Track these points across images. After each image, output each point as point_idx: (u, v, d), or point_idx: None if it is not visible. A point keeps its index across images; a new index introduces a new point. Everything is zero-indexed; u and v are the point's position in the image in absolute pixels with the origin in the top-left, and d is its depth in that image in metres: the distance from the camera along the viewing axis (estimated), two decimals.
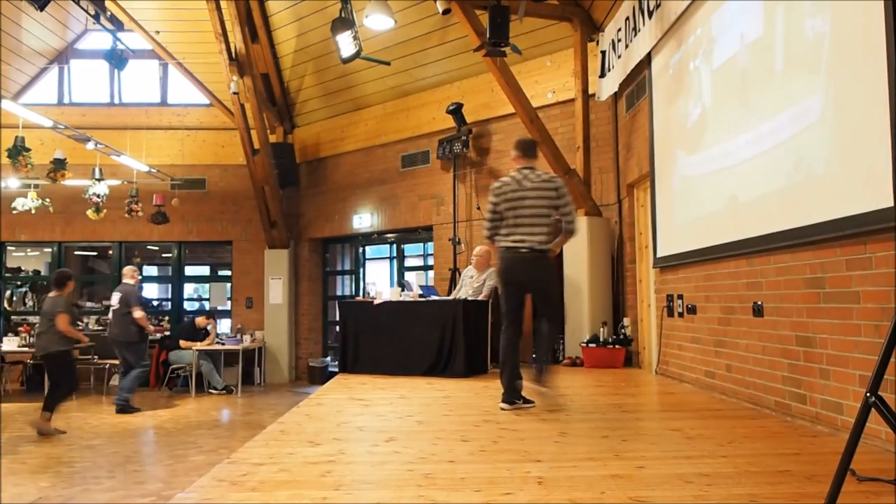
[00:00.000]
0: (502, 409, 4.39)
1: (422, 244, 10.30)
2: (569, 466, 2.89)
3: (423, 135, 9.50)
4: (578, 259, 7.21)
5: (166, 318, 11.54)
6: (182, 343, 9.44)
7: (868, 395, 2.03)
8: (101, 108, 11.21)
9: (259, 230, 10.88)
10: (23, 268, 11.96)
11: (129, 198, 9.74)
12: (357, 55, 7.52)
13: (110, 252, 11.55)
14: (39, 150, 9.04)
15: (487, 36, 6.25)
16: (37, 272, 11.87)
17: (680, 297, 5.64)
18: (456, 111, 8.64)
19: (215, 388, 9.48)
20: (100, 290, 11.73)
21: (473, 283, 7.12)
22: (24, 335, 9.41)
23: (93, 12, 6.50)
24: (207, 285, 12.61)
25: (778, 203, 3.93)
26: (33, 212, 9.13)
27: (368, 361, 6.62)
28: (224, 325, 11.28)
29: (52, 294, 6.81)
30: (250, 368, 10.42)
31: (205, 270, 13.36)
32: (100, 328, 10.47)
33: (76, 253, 12.12)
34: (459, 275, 7.90)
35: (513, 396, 4.43)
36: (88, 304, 11.72)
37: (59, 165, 8.00)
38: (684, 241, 5.46)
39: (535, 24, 7.50)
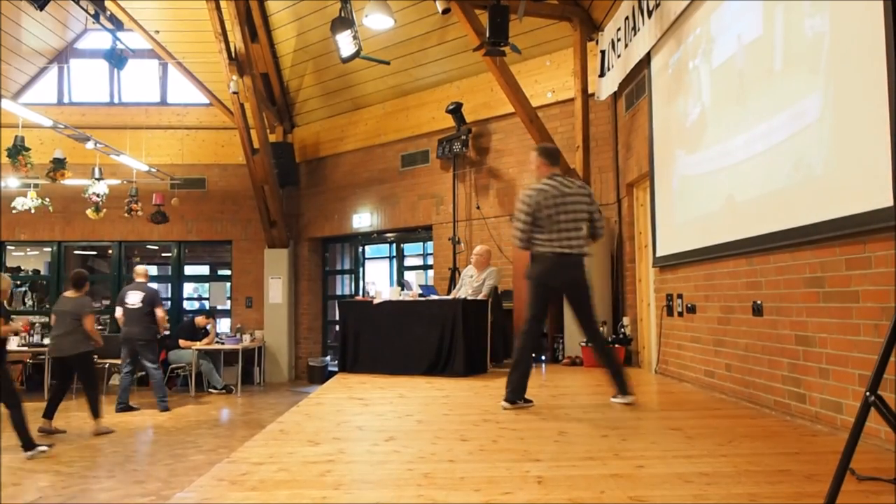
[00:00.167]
0: (505, 408, 4.38)
1: (421, 244, 10.30)
2: (568, 466, 2.89)
3: (423, 134, 9.50)
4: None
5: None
6: (181, 342, 9.43)
7: (868, 394, 2.03)
8: (100, 107, 11.21)
9: (259, 230, 10.89)
10: (22, 267, 11.97)
11: (129, 197, 9.74)
12: (357, 55, 7.52)
13: (110, 251, 11.55)
14: (39, 149, 9.06)
15: (487, 35, 6.25)
16: (36, 272, 11.87)
17: (679, 296, 5.64)
18: (455, 111, 8.64)
19: (215, 388, 9.48)
20: (100, 289, 11.72)
21: (473, 283, 7.12)
22: (23, 335, 9.40)
23: (92, 12, 6.50)
24: (207, 285, 12.62)
25: (777, 202, 3.93)
26: (33, 211, 9.13)
27: (368, 361, 6.62)
28: (224, 325, 11.28)
29: (70, 294, 6.77)
30: (250, 368, 10.42)
31: (204, 270, 13.36)
32: (100, 327, 10.45)
33: (76, 252, 12.11)
34: (459, 274, 7.91)
35: (518, 396, 4.42)
36: None
37: (58, 165, 7.99)
38: (684, 240, 5.46)
39: (534, 23, 7.50)
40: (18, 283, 11.50)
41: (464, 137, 8.68)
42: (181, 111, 11.27)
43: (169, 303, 11.65)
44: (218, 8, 9.09)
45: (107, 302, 11.23)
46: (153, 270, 13.46)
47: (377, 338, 6.64)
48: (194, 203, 11.06)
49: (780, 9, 3.93)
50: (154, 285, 9.02)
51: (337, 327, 9.61)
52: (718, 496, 2.41)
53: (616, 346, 6.78)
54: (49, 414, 6.52)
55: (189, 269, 12.28)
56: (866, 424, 2.08)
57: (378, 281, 9.75)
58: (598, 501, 2.40)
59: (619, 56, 6.74)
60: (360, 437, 3.63)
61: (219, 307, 11.53)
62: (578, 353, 7.04)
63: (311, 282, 11.14)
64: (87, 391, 6.65)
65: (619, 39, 6.72)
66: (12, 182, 9.43)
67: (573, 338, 7.21)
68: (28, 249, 11.98)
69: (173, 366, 9.61)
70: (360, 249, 11.09)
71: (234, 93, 9.34)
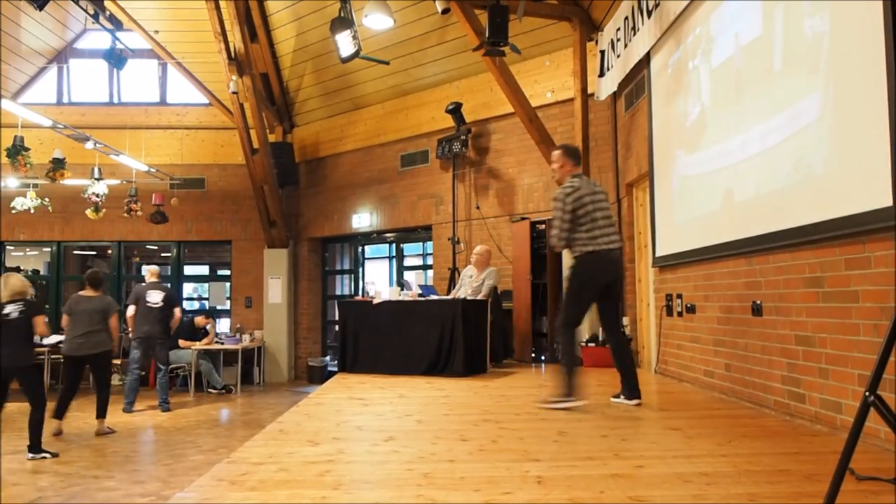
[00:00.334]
0: (556, 408, 4.30)
1: (421, 243, 10.31)
2: (568, 466, 2.89)
3: (423, 134, 9.50)
4: None
5: None
6: (181, 342, 9.42)
7: (867, 394, 2.03)
8: (100, 107, 11.21)
9: (258, 230, 10.89)
10: (22, 267, 11.95)
11: (129, 197, 9.73)
12: (356, 55, 7.51)
13: (109, 251, 11.56)
14: (38, 149, 9.06)
15: (486, 35, 6.25)
16: (36, 271, 11.86)
17: (679, 296, 5.64)
18: (455, 111, 8.64)
19: (214, 388, 9.48)
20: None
21: (473, 283, 7.12)
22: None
23: (92, 12, 6.50)
24: (206, 285, 12.62)
25: (777, 202, 3.93)
26: (32, 211, 9.13)
27: (368, 361, 6.62)
28: (223, 325, 11.28)
29: (88, 294, 6.71)
30: (249, 368, 10.42)
31: (204, 270, 13.37)
32: None
33: (75, 252, 12.11)
34: (459, 274, 7.91)
35: (572, 391, 4.35)
36: None
37: (58, 165, 7.99)
38: (683, 240, 5.46)
39: (534, 23, 7.51)
40: None
41: (463, 137, 8.68)
42: (181, 111, 11.27)
43: None
44: (217, 8, 9.09)
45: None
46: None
47: (377, 338, 6.63)
48: (194, 203, 11.06)
49: (780, 9, 3.93)
50: None
51: (336, 327, 9.61)
52: (718, 496, 2.41)
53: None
54: (60, 414, 6.48)
55: (188, 269, 12.29)
56: (866, 424, 2.08)
57: (378, 281, 9.76)
58: (597, 501, 2.40)
59: (618, 56, 6.74)
60: (360, 437, 3.63)
61: (218, 307, 11.53)
62: (578, 353, 7.03)
63: (310, 282, 11.14)
64: (100, 390, 6.64)
65: (618, 39, 6.72)
66: (12, 182, 9.42)
67: None
68: (27, 249, 11.97)
69: (173, 366, 9.59)
70: (360, 249, 11.09)
71: (234, 93, 9.35)
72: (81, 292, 6.80)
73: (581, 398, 4.35)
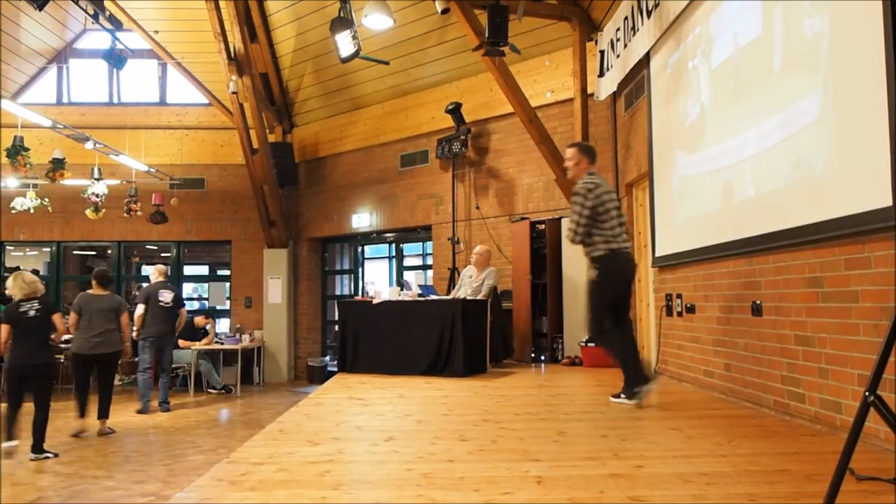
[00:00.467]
0: (637, 400, 4.32)
1: (421, 244, 10.31)
2: (568, 466, 2.89)
3: (422, 134, 9.50)
4: (577, 259, 7.18)
5: None
6: (181, 342, 9.41)
7: (867, 394, 2.03)
8: (100, 107, 11.21)
9: (258, 230, 10.89)
10: (21, 267, 11.94)
11: (128, 197, 9.74)
12: (356, 55, 7.51)
13: (109, 252, 11.55)
14: (38, 149, 9.05)
15: (486, 35, 6.25)
16: (35, 272, 11.83)
17: (679, 296, 5.64)
18: (455, 111, 8.64)
19: (214, 388, 9.48)
20: None
21: (473, 283, 7.12)
22: None
23: (92, 12, 6.50)
24: (206, 285, 12.61)
25: (777, 202, 3.93)
26: (32, 211, 9.13)
27: (367, 361, 6.62)
28: (223, 325, 11.27)
29: (99, 292, 6.70)
30: (249, 368, 10.42)
31: (204, 270, 13.36)
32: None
33: (75, 252, 12.11)
34: (458, 274, 7.91)
35: (641, 382, 4.36)
36: None
37: (57, 165, 7.99)
38: (683, 240, 5.46)
39: (533, 23, 7.51)
40: None
41: (463, 137, 8.68)
42: (180, 111, 11.27)
43: None
44: (217, 8, 9.09)
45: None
46: (152, 271, 13.43)
47: (376, 338, 6.63)
48: (193, 203, 11.06)
49: (780, 8, 3.93)
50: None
51: (336, 327, 9.62)
52: (718, 496, 2.41)
53: None
54: (84, 413, 6.47)
55: (188, 270, 12.28)
56: (866, 424, 2.08)
57: (377, 281, 9.77)
58: (597, 501, 2.40)
59: (618, 56, 6.74)
60: (360, 438, 3.63)
61: (218, 307, 11.52)
62: (578, 353, 7.04)
63: (310, 282, 11.14)
64: (104, 390, 6.64)
65: (618, 39, 6.72)
66: (11, 182, 9.42)
67: (573, 338, 7.21)
68: (27, 249, 11.96)
69: (173, 366, 9.60)
70: (360, 249, 11.10)
71: (234, 93, 9.35)
72: (90, 291, 6.74)
73: (653, 378, 4.41)
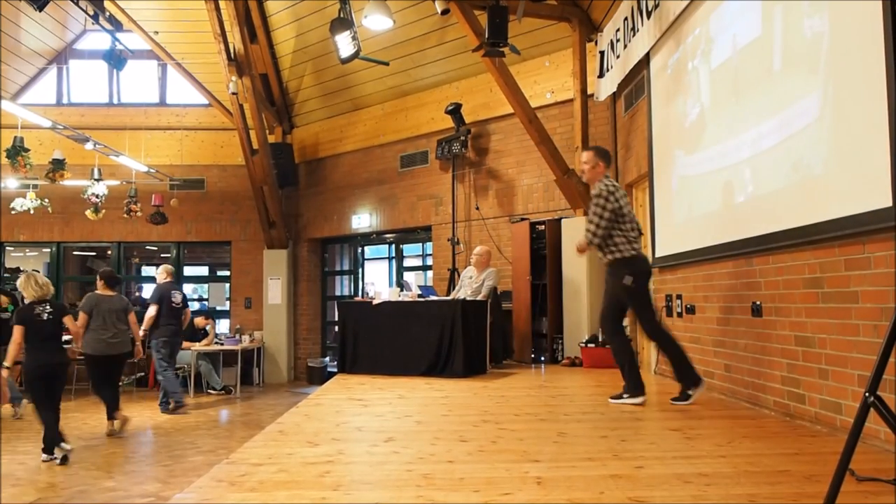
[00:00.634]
0: (686, 403, 4.37)
1: (420, 244, 10.30)
2: (568, 466, 2.89)
3: (422, 135, 9.50)
4: (577, 259, 7.21)
5: None
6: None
7: (867, 394, 2.03)
8: (99, 108, 11.21)
9: (258, 230, 10.89)
10: (21, 268, 11.93)
11: (128, 198, 9.73)
12: (356, 55, 7.52)
13: (109, 252, 11.54)
14: (38, 150, 9.04)
15: (486, 36, 6.25)
16: (35, 272, 11.84)
17: (679, 296, 5.64)
18: (454, 111, 8.64)
19: (214, 389, 9.47)
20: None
21: (472, 284, 7.12)
22: None
23: (92, 13, 6.51)
24: (206, 285, 12.60)
25: (777, 203, 3.93)
26: (32, 212, 9.13)
27: (367, 362, 6.62)
28: (223, 326, 11.27)
29: (107, 293, 6.69)
30: (249, 369, 10.42)
31: (203, 271, 13.35)
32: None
33: (75, 253, 12.10)
34: (458, 275, 7.91)
35: (695, 380, 4.42)
36: None
37: (57, 166, 7.98)
38: (683, 240, 5.46)
39: (533, 24, 7.51)
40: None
41: (463, 138, 8.68)
42: (180, 112, 11.27)
43: None
44: (217, 9, 9.09)
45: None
46: (152, 271, 13.44)
47: (376, 338, 6.63)
48: (193, 204, 11.05)
49: (780, 9, 3.93)
50: (153, 286, 9.00)
51: (336, 328, 9.61)
52: (718, 497, 2.41)
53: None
54: (113, 414, 6.51)
55: (188, 270, 12.27)
56: (866, 425, 2.07)
57: (377, 282, 9.77)
58: (597, 502, 2.40)
59: (618, 57, 6.74)
60: (360, 438, 3.63)
61: (218, 308, 11.52)
62: (578, 353, 7.04)
63: (310, 282, 11.14)
64: (114, 389, 6.66)
65: (618, 40, 6.73)
66: (11, 183, 9.42)
67: (573, 338, 7.21)
68: (27, 250, 11.96)
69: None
70: (360, 250, 11.09)
71: (234, 93, 9.35)
72: (98, 292, 6.72)
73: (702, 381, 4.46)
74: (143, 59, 10.83)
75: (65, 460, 5.30)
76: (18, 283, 5.82)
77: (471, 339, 6.32)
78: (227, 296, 11.43)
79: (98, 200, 9.15)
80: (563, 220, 7.53)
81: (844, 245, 3.28)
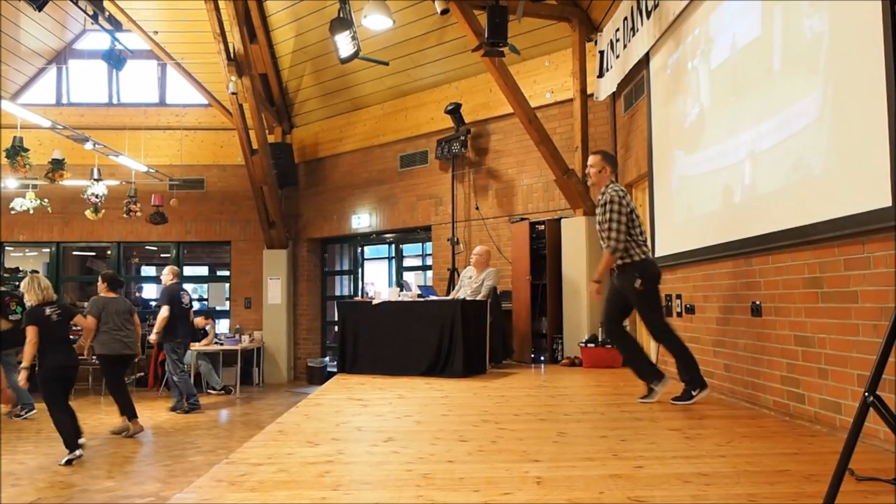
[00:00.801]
0: (688, 402, 4.35)
1: (420, 244, 10.30)
2: (567, 466, 2.89)
3: (422, 135, 9.50)
4: (577, 259, 7.23)
5: None
6: None
7: (866, 394, 2.03)
8: (99, 108, 11.20)
9: (257, 230, 10.89)
10: (21, 268, 11.93)
11: (128, 198, 9.73)
12: (355, 55, 7.51)
13: (109, 252, 11.54)
14: (38, 150, 9.05)
15: (486, 36, 6.25)
16: (35, 272, 11.84)
17: (678, 296, 5.64)
18: (454, 111, 8.64)
19: (214, 389, 9.47)
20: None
21: (472, 284, 7.12)
22: None
23: (91, 12, 6.51)
24: (206, 285, 12.60)
25: (776, 203, 3.93)
26: (31, 212, 9.12)
27: (367, 361, 6.62)
28: (222, 326, 11.27)
29: (111, 295, 6.73)
30: (249, 369, 10.42)
31: (203, 271, 13.36)
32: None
33: (74, 253, 12.10)
34: (458, 275, 7.91)
35: (699, 383, 4.40)
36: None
37: (57, 166, 7.98)
38: (682, 240, 5.46)
39: (533, 24, 7.51)
40: (17, 283, 11.47)
41: (462, 138, 8.68)
42: (180, 112, 11.27)
43: None
44: (217, 8, 9.09)
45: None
46: (152, 271, 13.46)
47: (376, 338, 6.63)
48: (193, 204, 11.05)
49: (779, 9, 3.93)
50: (153, 286, 9.04)
51: (336, 328, 9.61)
52: (717, 496, 2.41)
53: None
54: (133, 413, 6.54)
55: (188, 270, 12.27)
56: (865, 425, 2.08)
57: (377, 281, 9.77)
58: (597, 502, 2.40)
59: (617, 56, 6.74)
60: (359, 438, 3.63)
61: (217, 308, 11.52)
62: (578, 353, 7.04)
63: (310, 282, 11.14)
64: (123, 389, 6.69)
65: (617, 40, 6.73)
66: (11, 183, 9.42)
67: (573, 338, 7.21)
68: (27, 250, 11.96)
69: None
70: (359, 250, 11.09)
71: (233, 93, 9.35)
72: (103, 294, 6.75)
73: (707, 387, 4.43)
74: (142, 59, 10.82)
75: (69, 462, 5.31)
76: (22, 285, 5.83)
77: (470, 339, 6.32)
78: (227, 296, 11.43)
79: (98, 200, 9.14)
80: (562, 220, 7.53)
81: (844, 245, 3.28)
